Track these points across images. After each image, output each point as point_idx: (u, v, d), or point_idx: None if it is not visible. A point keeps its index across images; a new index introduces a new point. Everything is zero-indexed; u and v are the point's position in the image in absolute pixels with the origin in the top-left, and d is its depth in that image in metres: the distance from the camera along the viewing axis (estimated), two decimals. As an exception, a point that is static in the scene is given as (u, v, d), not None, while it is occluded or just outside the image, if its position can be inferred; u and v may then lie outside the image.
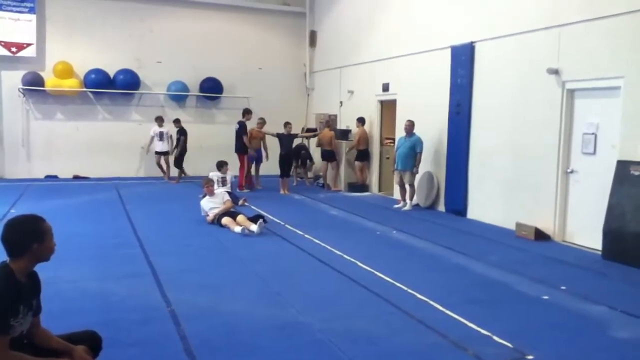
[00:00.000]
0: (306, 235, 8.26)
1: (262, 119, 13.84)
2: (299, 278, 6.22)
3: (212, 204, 9.04)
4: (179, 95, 15.59)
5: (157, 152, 14.40)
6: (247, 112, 13.62)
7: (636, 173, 7.04)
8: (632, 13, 7.15)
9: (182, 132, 14.14)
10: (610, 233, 7.20)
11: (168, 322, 4.65)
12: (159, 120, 14.29)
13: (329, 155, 13.68)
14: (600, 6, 7.62)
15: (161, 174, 14.43)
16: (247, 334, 4.49)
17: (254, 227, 8.28)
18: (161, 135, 14.24)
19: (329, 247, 7.52)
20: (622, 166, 7.22)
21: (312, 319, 4.82)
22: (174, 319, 4.71)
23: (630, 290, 6.05)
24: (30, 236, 2.96)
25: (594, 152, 7.88)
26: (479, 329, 4.66)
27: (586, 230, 7.88)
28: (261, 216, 8.85)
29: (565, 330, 4.78)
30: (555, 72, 8.26)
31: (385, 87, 12.88)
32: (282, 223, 9.15)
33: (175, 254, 6.87)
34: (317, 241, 7.89)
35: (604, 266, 6.98)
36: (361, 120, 13.06)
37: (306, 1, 16.63)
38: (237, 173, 12.77)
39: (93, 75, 14.59)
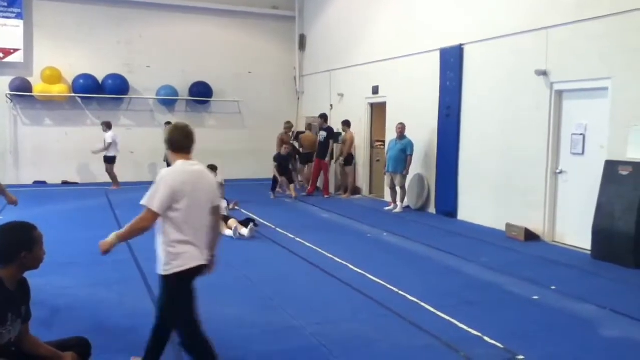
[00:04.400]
0: (297, 239, 8.25)
1: (289, 122, 14.06)
2: (291, 282, 6.21)
3: None
4: (168, 100, 15.53)
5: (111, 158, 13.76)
6: (325, 118, 13.47)
7: (624, 173, 7.10)
8: (619, 14, 7.23)
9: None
10: (599, 233, 7.25)
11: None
12: (106, 125, 13.70)
13: (310, 158, 13.65)
14: (587, 8, 7.69)
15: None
16: (239, 338, 4.47)
17: (244, 231, 8.26)
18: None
19: (320, 250, 7.51)
20: (611, 166, 7.28)
21: (305, 323, 4.82)
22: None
23: (619, 289, 6.09)
24: (20, 245, 2.94)
25: (583, 153, 7.95)
26: (470, 330, 4.67)
27: (575, 230, 7.93)
28: (252, 220, 8.83)
29: (556, 330, 4.81)
30: (544, 73, 8.33)
31: (375, 90, 12.91)
32: (273, 226, 9.14)
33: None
34: (308, 244, 7.88)
35: (593, 266, 7.04)
36: (348, 124, 13.07)
37: (295, 5, 16.65)
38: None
39: (82, 81, 14.51)
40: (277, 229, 8.95)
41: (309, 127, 14.49)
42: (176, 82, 15.50)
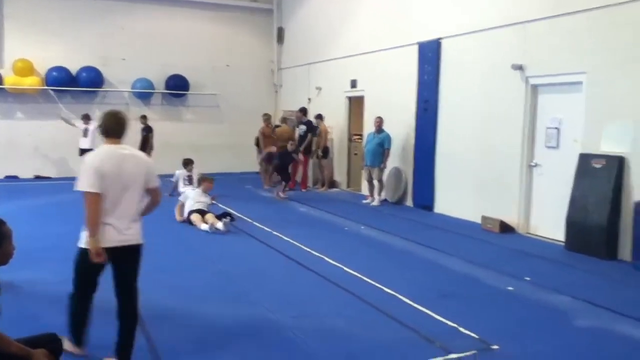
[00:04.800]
0: (275, 233, 8.22)
1: (267, 114, 13.92)
2: (268, 276, 6.18)
3: (194, 202, 8.87)
4: (144, 93, 15.32)
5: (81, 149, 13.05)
6: (305, 111, 13.39)
7: (597, 166, 7.22)
8: (593, 10, 7.33)
9: (147, 130, 13.85)
10: (573, 224, 7.37)
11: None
12: (85, 117, 13.37)
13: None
14: (562, 4, 7.77)
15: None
16: (216, 334, 4.44)
17: (220, 225, 8.21)
18: (85, 132, 13.19)
19: (298, 244, 7.50)
20: (584, 159, 7.40)
21: (283, 317, 4.80)
22: (139, 321, 4.61)
23: (592, 280, 6.20)
24: (-13, 240, 2.86)
25: (557, 146, 8.05)
26: (447, 322, 4.71)
27: (549, 222, 8.05)
28: (228, 214, 8.77)
29: (530, 320, 4.88)
30: (520, 68, 8.41)
31: (354, 84, 12.91)
32: (251, 220, 9.09)
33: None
34: (286, 238, 7.86)
35: (566, 257, 7.15)
36: (321, 117, 13.04)
37: (273, -2, 16.59)
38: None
39: (55, 73, 14.21)
40: (255, 223, 8.90)
41: (284, 120, 14.40)
42: (152, 75, 15.28)
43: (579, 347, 4.33)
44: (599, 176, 7.17)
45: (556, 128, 8.06)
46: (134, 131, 13.57)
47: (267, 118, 13.82)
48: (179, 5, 15.61)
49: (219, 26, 16.17)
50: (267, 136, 13.42)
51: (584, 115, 7.53)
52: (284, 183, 11.91)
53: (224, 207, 9.92)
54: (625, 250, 6.90)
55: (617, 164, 7.01)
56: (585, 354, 4.19)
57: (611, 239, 6.97)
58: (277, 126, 14.45)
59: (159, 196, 3.92)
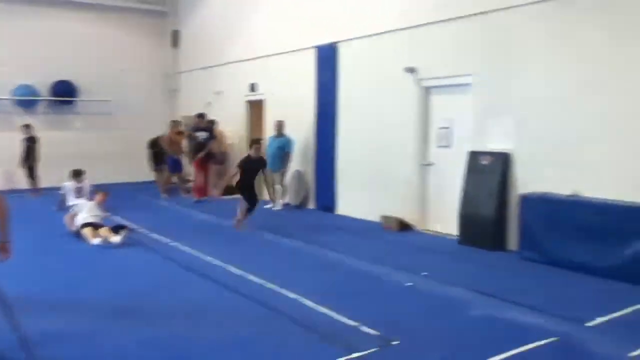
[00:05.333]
0: (172, 243, 7.90)
1: (177, 121, 13.35)
2: (164, 289, 5.87)
3: (87, 215, 8.31)
4: (27, 101, 14.22)
5: None
6: (204, 117, 12.86)
7: (484, 162, 7.62)
8: (479, 15, 7.74)
9: (31, 140, 12.82)
10: (464, 219, 7.73)
11: (17, 351, 4.14)
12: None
13: (163, 159, 12.98)
14: (448, 9, 8.14)
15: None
16: (109, 354, 4.14)
17: (115, 238, 7.76)
18: None
19: (196, 253, 7.24)
20: (473, 156, 7.78)
21: (179, 330, 4.58)
22: (23, 346, 4.21)
23: (483, 271, 6.51)
24: None
25: (449, 145, 8.42)
26: (349, 321, 4.71)
27: (444, 218, 8.38)
28: (124, 226, 8.32)
29: (428, 313, 5.01)
30: (412, 70, 8.70)
31: (254, 87, 12.78)
32: (148, 232, 8.68)
33: (26, 274, 6.14)
34: (184, 248, 7.57)
35: (460, 250, 7.49)
36: (215, 122, 12.76)
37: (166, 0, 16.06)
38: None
39: None
40: (153, 234, 8.51)
41: (175, 124, 13.77)
42: (36, 81, 14.24)
43: (474, 335, 4.50)
44: (486, 172, 7.57)
45: (448, 128, 8.42)
46: (15, 141, 12.63)
47: (176, 124, 13.30)
48: (63, 6, 14.65)
49: (109, 29, 15.37)
50: (175, 143, 12.92)
51: (473, 115, 7.93)
52: (247, 207, 8.88)
53: (118, 218, 9.40)
54: (512, 241, 7.33)
55: (503, 160, 7.44)
56: (479, 341, 4.35)
57: (499, 231, 7.39)
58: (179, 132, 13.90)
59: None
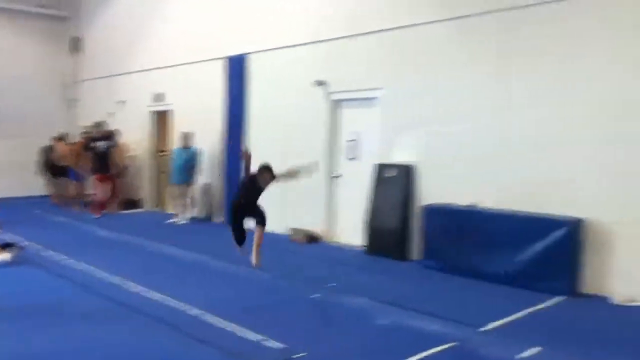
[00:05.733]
0: (70, 260, 7.40)
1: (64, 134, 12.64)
2: (56, 308, 5.47)
3: None
4: None
5: None
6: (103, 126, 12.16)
7: (390, 175, 7.83)
8: (387, 31, 7.98)
9: None
10: (370, 230, 7.89)
11: None
12: None
13: (61, 171, 12.50)
14: (361, 23, 8.33)
15: None
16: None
17: (4, 256, 7.16)
18: None
19: (93, 270, 6.83)
20: (379, 169, 7.97)
21: (70, 348, 4.26)
22: None
23: (386, 280, 6.65)
24: None
25: (357, 158, 8.57)
26: (253, 334, 4.60)
27: (352, 230, 8.50)
28: (12, 244, 7.68)
29: (335, 324, 5.02)
30: (322, 83, 8.81)
31: (160, 97, 12.38)
32: (43, 248, 8.09)
33: None
34: (81, 265, 7.11)
35: (366, 261, 7.62)
36: (116, 133, 12.22)
37: (65, 5, 15.22)
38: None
39: None
40: (48, 252, 7.93)
41: (63, 137, 13.13)
42: None
43: (379, 344, 4.55)
44: (392, 184, 7.78)
45: (356, 140, 8.58)
46: None
47: (62, 137, 12.55)
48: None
49: (4, 33, 14.34)
50: (70, 155, 12.18)
51: (380, 128, 8.13)
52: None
53: (10, 235, 8.70)
54: (415, 251, 7.55)
55: (407, 172, 7.68)
56: (384, 349, 4.40)
57: (403, 241, 7.60)
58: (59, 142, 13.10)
59: None
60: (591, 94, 6.17)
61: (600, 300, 5.91)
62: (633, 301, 5.72)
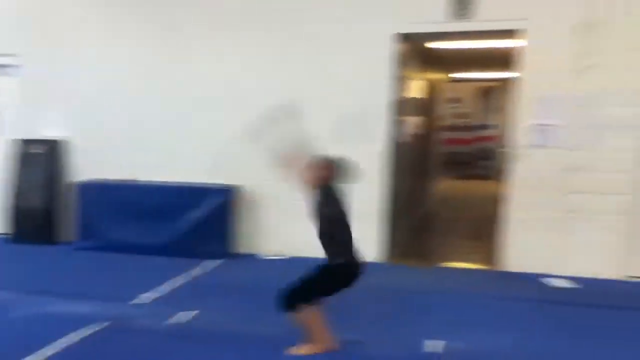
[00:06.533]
0: None
1: None
2: None
3: None
4: None
5: None
6: None
7: (37, 151, 6.96)
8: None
9: None
10: (14, 214, 6.96)
11: None
12: None
13: None
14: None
15: None
16: None
17: None
18: None
19: None
20: (22, 145, 7.03)
21: None
22: None
23: (33, 268, 5.91)
24: None
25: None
26: None
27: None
28: None
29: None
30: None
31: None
32: None
33: None
34: None
35: (11, 250, 6.73)
36: None
37: None
38: None
39: None
40: None
41: None
42: None
43: (11, 337, 3.98)
44: (39, 161, 6.94)
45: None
46: None
47: None
48: None
49: None
50: None
51: (21, 99, 7.15)
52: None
53: None
54: (67, 233, 6.95)
55: (55, 148, 6.95)
56: (21, 342, 3.85)
57: (52, 223, 6.91)
58: None
59: None
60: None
61: (252, 258, 6.43)
62: (278, 255, 6.40)
